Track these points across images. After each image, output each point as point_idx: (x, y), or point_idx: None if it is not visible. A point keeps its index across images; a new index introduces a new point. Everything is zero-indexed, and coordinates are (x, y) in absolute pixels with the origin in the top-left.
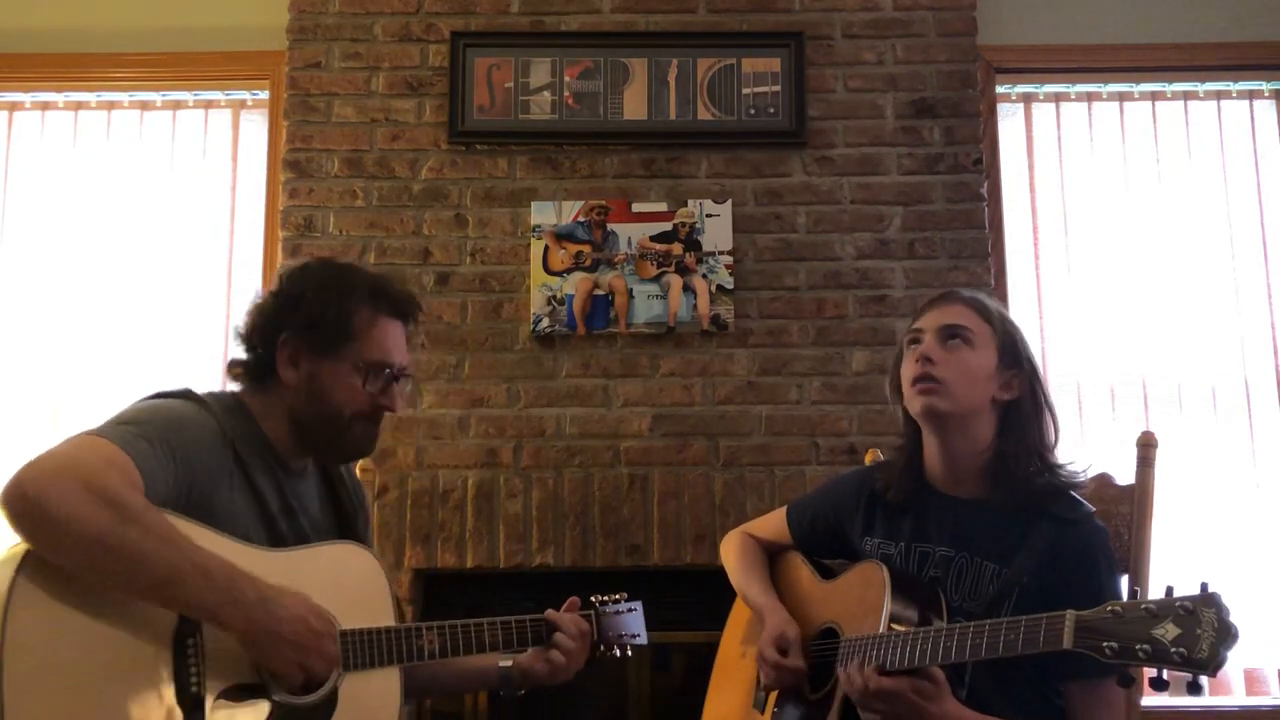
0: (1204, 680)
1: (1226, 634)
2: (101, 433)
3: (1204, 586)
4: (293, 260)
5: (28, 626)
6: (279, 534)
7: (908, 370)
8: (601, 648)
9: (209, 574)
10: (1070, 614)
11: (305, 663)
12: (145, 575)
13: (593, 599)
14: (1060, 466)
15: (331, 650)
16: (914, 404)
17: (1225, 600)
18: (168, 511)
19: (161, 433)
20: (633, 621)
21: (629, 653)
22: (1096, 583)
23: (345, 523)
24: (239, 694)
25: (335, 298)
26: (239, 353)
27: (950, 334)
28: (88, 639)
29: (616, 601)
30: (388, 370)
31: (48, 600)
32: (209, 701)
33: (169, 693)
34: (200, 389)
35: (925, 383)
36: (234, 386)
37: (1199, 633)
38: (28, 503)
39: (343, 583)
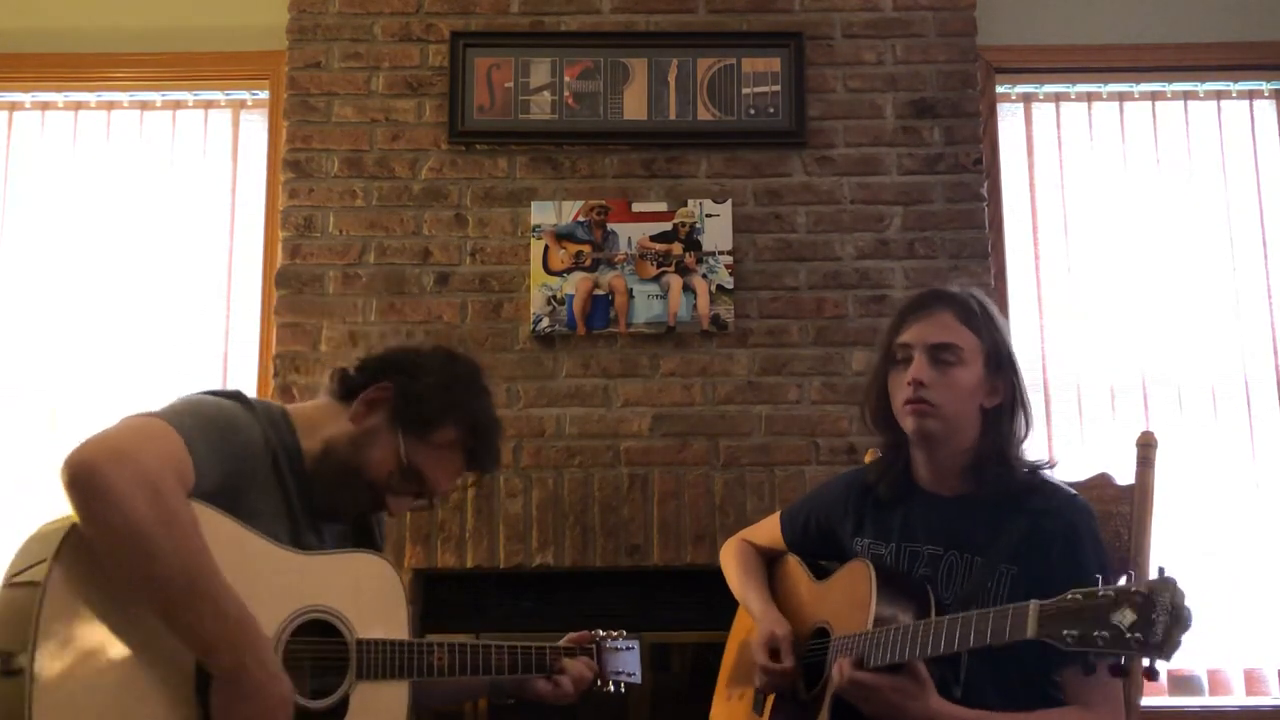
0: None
1: (1180, 618)
2: (167, 418)
3: (1160, 571)
4: (462, 350)
5: (59, 602)
6: (303, 542)
7: (898, 390)
8: (598, 683)
9: (220, 610)
10: (1033, 604)
11: None
12: (162, 585)
13: (595, 634)
14: (1032, 462)
15: None
16: (905, 423)
17: (1180, 585)
18: (206, 504)
19: (216, 428)
20: (630, 660)
21: (623, 689)
22: (1083, 565)
23: (368, 536)
24: None
25: (445, 401)
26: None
27: (940, 355)
28: (118, 623)
29: (616, 639)
30: (419, 486)
31: (83, 583)
32: None
33: (189, 685)
34: (250, 394)
35: (918, 404)
36: (271, 394)
37: (1154, 617)
38: (88, 475)
39: (362, 591)
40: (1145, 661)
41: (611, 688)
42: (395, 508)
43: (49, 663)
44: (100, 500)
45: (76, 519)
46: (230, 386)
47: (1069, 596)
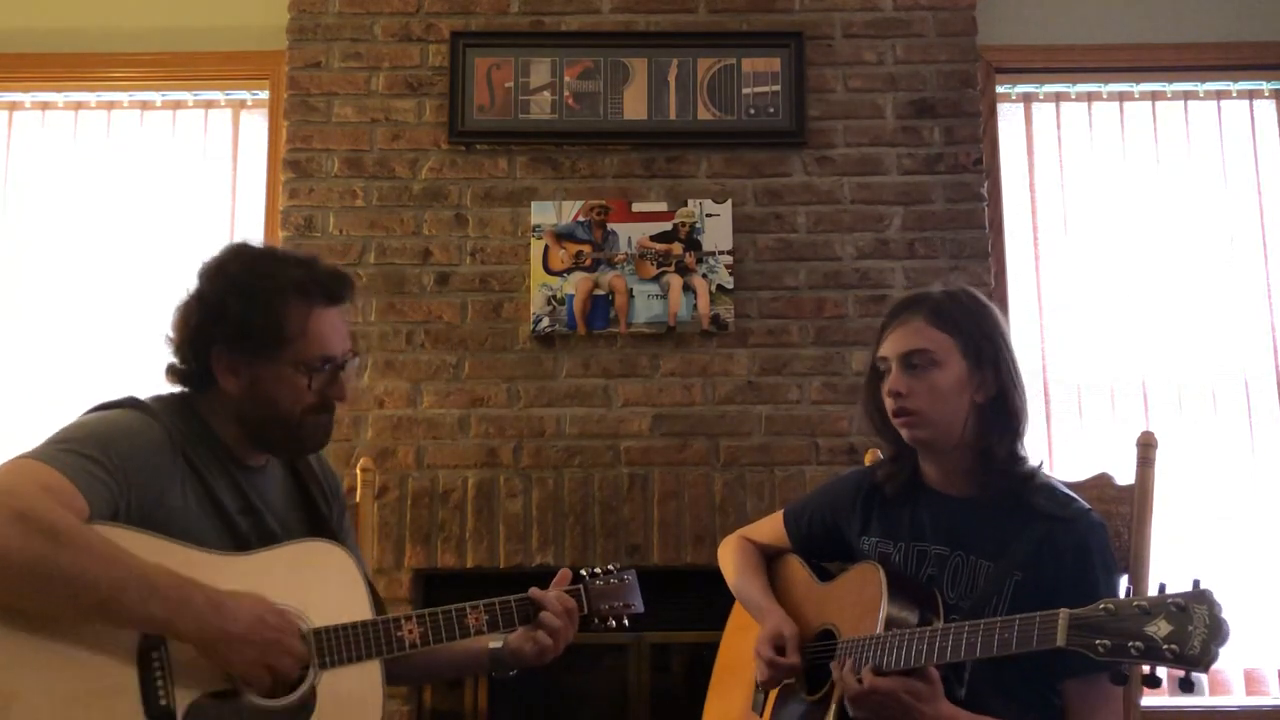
0: (1196, 677)
1: (1218, 630)
2: (37, 455)
3: (1195, 583)
4: (210, 255)
5: None
6: (241, 535)
7: (886, 402)
8: (595, 621)
9: (154, 585)
10: (1064, 612)
11: (269, 662)
12: (87, 597)
13: (582, 571)
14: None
15: (295, 646)
16: (901, 433)
17: (1216, 596)
18: (119, 526)
19: (101, 447)
20: (626, 591)
21: (625, 623)
22: (1091, 579)
23: (315, 515)
24: (211, 702)
25: (262, 300)
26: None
27: (913, 361)
28: (49, 667)
29: (609, 572)
30: (331, 362)
31: (5, 629)
32: (180, 713)
33: (136, 709)
34: (146, 393)
35: (903, 416)
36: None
37: (1191, 629)
38: None
39: (314, 581)
40: (1180, 672)
41: (613, 623)
42: (342, 393)
43: None
44: None
45: None
46: (123, 395)
47: (1101, 607)
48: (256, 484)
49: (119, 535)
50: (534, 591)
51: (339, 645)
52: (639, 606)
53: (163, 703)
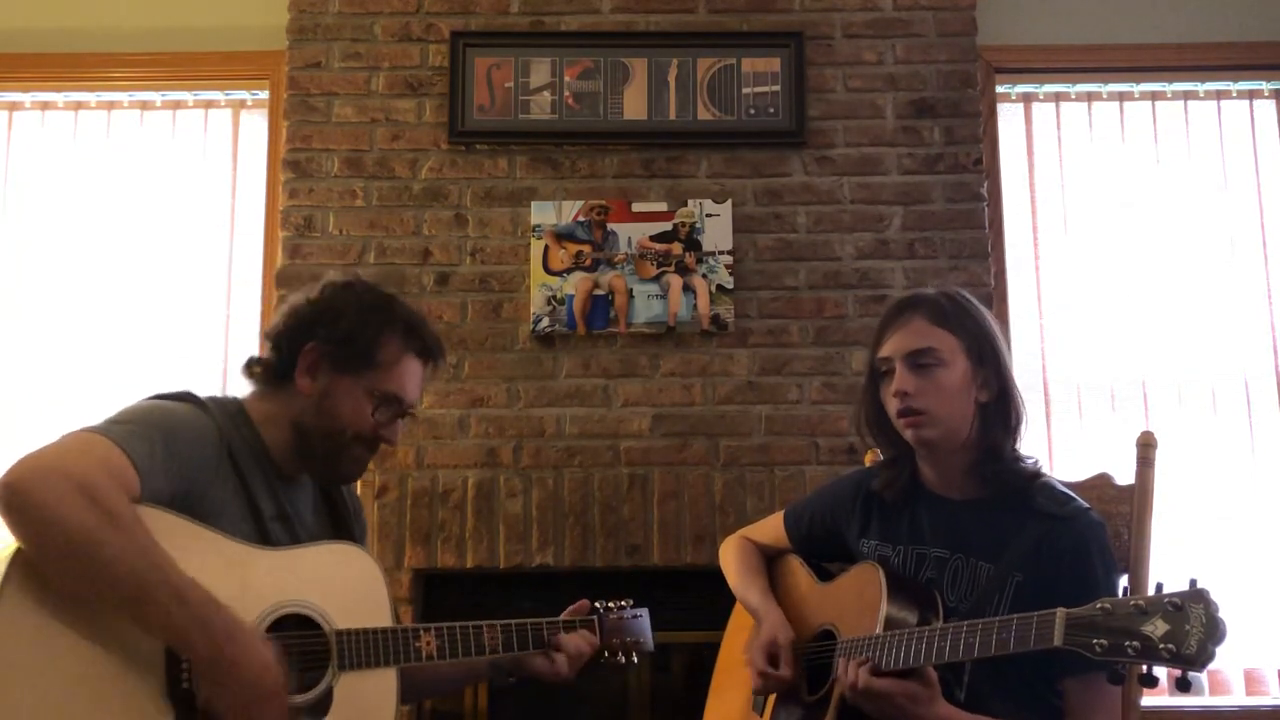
0: (1193, 677)
1: (1215, 630)
2: (100, 430)
3: (1193, 582)
4: (337, 275)
5: (14, 625)
6: (272, 540)
7: (890, 404)
8: (605, 654)
9: (182, 596)
10: (1060, 612)
11: (251, 712)
12: (118, 585)
13: (597, 604)
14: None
15: (280, 709)
16: (905, 435)
17: (1214, 596)
18: (162, 509)
19: (159, 432)
20: (639, 627)
21: (634, 659)
22: (1091, 579)
23: (341, 530)
24: None
25: (373, 322)
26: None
27: (919, 360)
28: (76, 638)
29: (622, 607)
30: (399, 405)
31: (37, 601)
32: (200, 698)
33: (158, 690)
34: (202, 392)
35: (910, 416)
36: (243, 388)
37: (1187, 629)
38: (18, 496)
39: (339, 582)
40: (1177, 672)
41: (622, 658)
42: (394, 436)
43: (8, 691)
44: (32, 517)
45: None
46: (180, 388)
47: (1098, 606)
48: (292, 495)
49: (161, 518)
50: (561, 638)
51: (359, 649)
52: (649, 645)
53: (185, 686)
